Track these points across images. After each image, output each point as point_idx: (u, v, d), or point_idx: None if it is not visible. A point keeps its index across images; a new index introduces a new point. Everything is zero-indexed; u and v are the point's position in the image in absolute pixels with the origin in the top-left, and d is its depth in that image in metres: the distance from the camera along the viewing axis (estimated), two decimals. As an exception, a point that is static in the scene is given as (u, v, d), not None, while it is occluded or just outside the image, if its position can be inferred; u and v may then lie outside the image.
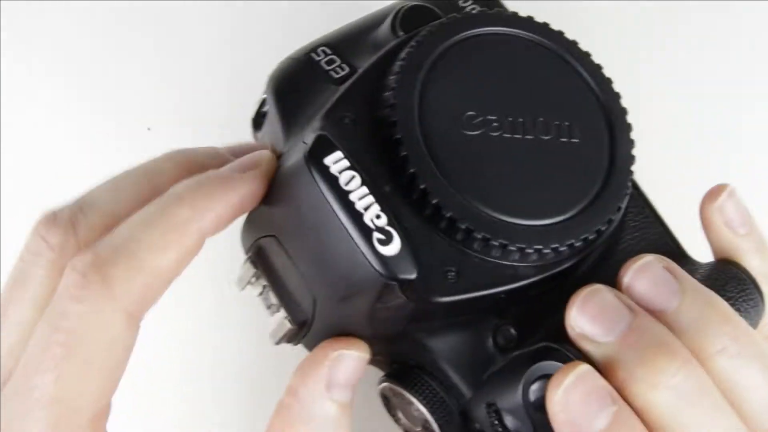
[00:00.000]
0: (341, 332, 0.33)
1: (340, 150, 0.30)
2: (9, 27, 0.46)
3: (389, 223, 0.29)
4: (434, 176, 0.31)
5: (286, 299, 0.34)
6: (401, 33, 0.36)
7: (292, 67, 0.37)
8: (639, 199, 0.38)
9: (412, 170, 0.31)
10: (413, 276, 0.29)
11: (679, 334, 0.31)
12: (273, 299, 0.35)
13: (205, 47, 0.42)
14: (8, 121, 0.47)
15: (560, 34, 0.36)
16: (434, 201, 0.31)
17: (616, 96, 0.35)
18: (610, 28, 0.47)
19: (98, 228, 0.32)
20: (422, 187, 0.31)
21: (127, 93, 0.47)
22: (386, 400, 0.36)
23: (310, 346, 0.35)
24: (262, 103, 0.38)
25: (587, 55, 0.36)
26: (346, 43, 0.37)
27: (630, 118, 0.35)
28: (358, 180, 0.30)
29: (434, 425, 0.34)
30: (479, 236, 0.31)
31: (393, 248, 0.29)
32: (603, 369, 0.30)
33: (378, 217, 0.29)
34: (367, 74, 0.34)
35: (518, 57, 0.35)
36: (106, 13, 0.46)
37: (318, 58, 0.37)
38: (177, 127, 0.45)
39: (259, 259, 0.34)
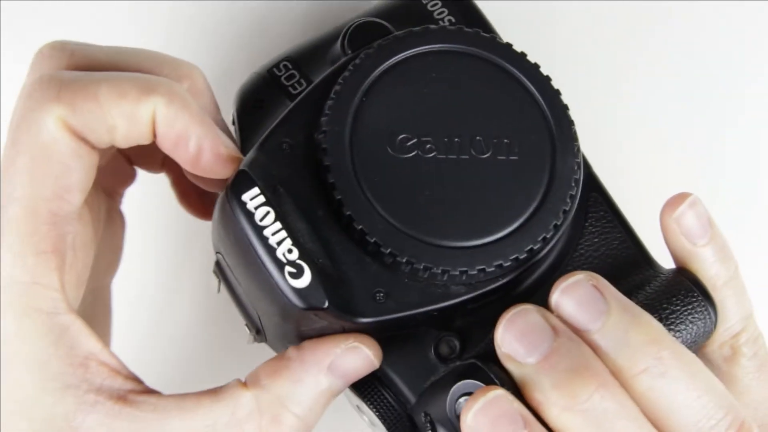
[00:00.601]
0: (291, 342, 0.35)
1: (257, 186, 0.32)
2: (9, 27, 0.46)
3: (300, 257, 0.31)
4: (359, 202, 0.32)
5: (242, 308, 0.36)
6: (349, 51, 0.36)
7: (256, 82, 0.39)
8: (603, 203, 0.37)
9: (338, 197, 0.32)
10: (324, 305, 0.31)
11: (603, 355, 0.31)
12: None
13: (205, 47, 0.44)
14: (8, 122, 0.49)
15: (508, 47, 0.36)
16: (359, 227, 0.32)
17: (563, 108, 0.35)
18: (593, 29, 0.46)
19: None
20: (347, 213, 0.32)
21: None
22: (352, 401, 0.38)
23: (275, 348, 0.38)
24: (233, 119, 0.40)
25: (535, 67, 0.35)
26: (307, 57, 0.39)
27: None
28: (272, 216, 0.31)
29: (381, 426, 0.36)
30: (403, 260, 0.32)
31: (303, 281, 0.31)
32: (523, 390, 0.31)
33: (290, 251, 0.31)
34: (309, 97, 0.35)
35: (459, 73, 0.35)
36: (106, 13, 0.47)
37: (279, 74, 0.38)
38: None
39: (219, 269, 0.37)
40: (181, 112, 0.32)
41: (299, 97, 0.35)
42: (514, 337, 0.32)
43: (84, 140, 0.32)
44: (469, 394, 0.32)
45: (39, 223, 0.31)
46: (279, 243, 0.31)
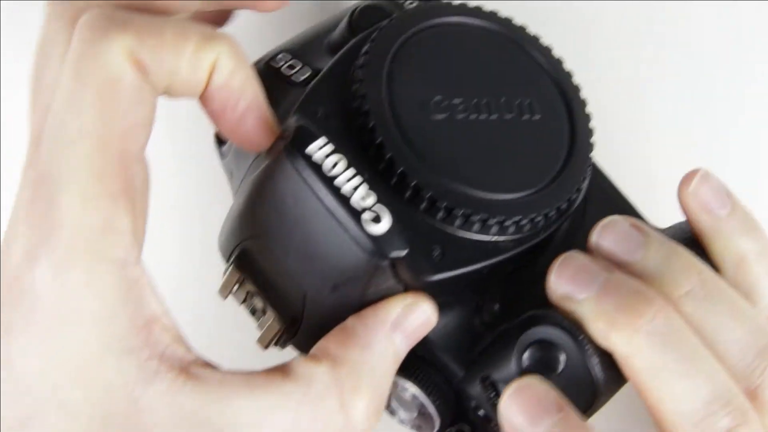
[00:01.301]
0: (333, 326, 0.33)
1: (324, 136, 0.31)
2: (9, 27, 0.45)
3: (378, 202, 0.30)
4: (410, 158, 0.32)
5: (273, 300, 0.34)
6: (359, 31, 0.37)
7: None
8: (600, 177, 0.39)
9: (389, 155, 0.32)
10: (404, 253, 0.30)
11: (648, 283, 0.32)
12: (259, 303, 0.35)
13: None
14: (8, 121, 0.46)
15: (509, 20, 0.37)
16: (413, 182, 0.32)
17: (569, 74, 0.37)
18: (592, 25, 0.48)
19: None
20: (400, 169, 0.32)
21: None
22: None
23: (301, 346, 0.35)
24: None
25: (537, 38, 0.37)
26: (304, 47, 0.38)
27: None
28: (343, 163, 0.30)
29: (431, 408, 0.34)
30: (459, 213, 0.32)
31: (383, 226, 0.30)
32: (586, 324, 0.31)
33: (365, 197, 0.30)
34: (333, 70, 0.34)
35: (472, 44, 0.36)
36: None
37: (278, 65, 0.37)
38: (176, 126, 0.45)
39: (243, 263, 0.34)
40: (241, 67, 0.31)
41: (323, 72, 0.35)
42: (568, 278, 0.32)
43: (147, 78, 0.29)
44: (538, 341, 0.32)
45: (110, 161, 0.28)
46: (354, 189, 0.30)
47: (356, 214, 0.30)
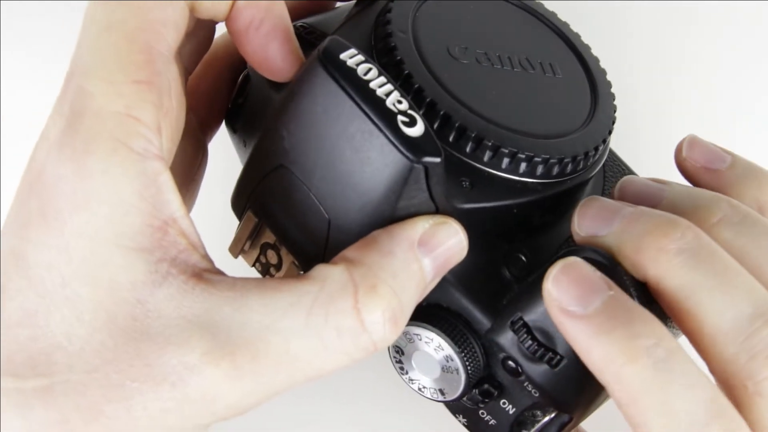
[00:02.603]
0: None
1: (354, 48, 0.30)
2: (9, 27, 0.45)
3: (411, 107, 0.29)
4: (438, 90, 0.32)
5: (292, 241, 0.33)
6: None
7: None
8: (618, 162, 0.39)
9: (417, 85, 0.31)
10: (438, 159, 0.29)
11: (679, 213, 0.31)
12: (273, 258, 0.34)
13: None
14: (8, 122, 0.46)
15: None
16: (443, 111, 0.31)
17: (587, 47, 0.37)
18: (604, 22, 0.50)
19: None
20: (429, 99, 0.31)
21: None
22: (398, 353, 0.34)
23: None
24: (239, 91, 0.38)
25: (554, 14, 0.38)
26: (322, 22, 0.38)
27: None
28: (375, 70, 0.30)
29: (457, 359, 0.32)
30: (489, 144, 0.31)
31: (418, 129, 0.29)
32: (614, 255, 0.30)
33: (399, 102, 0.29)
34: (358, 18, 0.35)
35: (493, 9, 0.37)
36: None
37: (297, 32, 0.37)
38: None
39: (260, 206, 0.33)
40: None
41: (348, 19, 0.35)
42: (593, 216, 0.31)
43: None
44: None
45: (135, 51, 0.27)
46: (387, 94, 0.29)
47: (392, 115, 0.29)
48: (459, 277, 0.32)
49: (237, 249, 0.34)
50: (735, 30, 0.49)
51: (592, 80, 0.36)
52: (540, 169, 0.32)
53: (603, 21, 0.49)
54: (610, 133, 0.35)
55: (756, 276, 0.30)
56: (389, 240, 0.29)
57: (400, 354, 0.34)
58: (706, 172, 0.35)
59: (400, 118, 0.29)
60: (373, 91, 0.29)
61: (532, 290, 0.31)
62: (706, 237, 0.30)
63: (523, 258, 0.33)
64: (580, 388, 0.32)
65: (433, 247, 0.30)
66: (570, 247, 0.32)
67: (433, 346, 0.32)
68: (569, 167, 0.33)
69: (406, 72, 0.32)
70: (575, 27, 0.39)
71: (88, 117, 0.27)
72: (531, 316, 0.31)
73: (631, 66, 0.49)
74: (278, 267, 0.34)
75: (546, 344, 0.31)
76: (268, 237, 0.33)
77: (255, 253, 0.34)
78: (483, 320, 0.32)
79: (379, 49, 0.33)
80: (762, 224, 0.31)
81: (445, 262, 0.30)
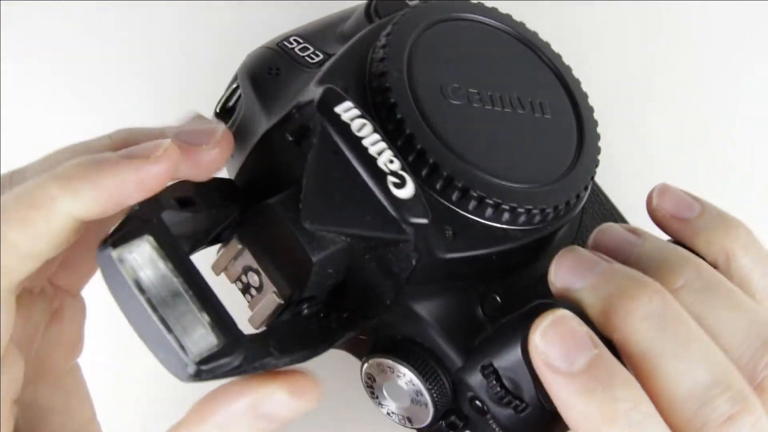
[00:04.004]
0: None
1: (349, 100, 0.30)
2: (9, 27, 0.45)
3: (402, 168, 0.30)
4: (430, 137, 0.32)
5: (273, 274, 0.33)
6: (376, 19, 0.37)
7: (266, 54, 0.37)
8: (597, 192, 0.40)
9: (408, 131, 0.32)
10: (426, 220, 0.30)
11: (645, 272, 0.32)
12: (255, 280, 0.34)
13: (205, 47, 0.42)
14: (8, 122, 0.46)
15: (522, 24, 0.38)
16: (431, 160, 0.32)
17: (577, 81, 0.38)
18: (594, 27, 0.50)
19: None
20: (419, 147, 0.32)
21: (126, 93, 0.46)
22: (370, 380, 0.35)
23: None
24: (230, 94, 0.38)
25: (548, 44, 0.38)
26: (315, 34, 0.38)
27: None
28: (369, 127, 0.30)
29: (426, 395, 0.33)
30: (475, 194, 0.32)
31: (407, 191, 0.29)
32: (586, 312, 0.31)
33: (391, 161, 0.30)
34: (352, 49, 0.35)
35: (488, 42, 0.37)
36: (107, 14, 0.46)
37: (291, 46, 0.37)
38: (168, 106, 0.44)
39: (245, 236, 0.34)
40: (86, 192, 0.30)
41: (342, 50, 0.35)
42: (568, 268, 0.32)
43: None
44: None
45: None
46: (379, 153, 0.30)
47: (382, 176, 0.29)
48: (434, 315, 0.33)
49: (219, 269, 0.35)
50: (728, 33, 0.49)
51: (579, 120, 0.37)
52: (522, 218, 0.33)
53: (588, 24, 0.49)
54: (592, 178, 0.36)
55: (715, 342, 0.31)
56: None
57: (372, 381, 0.35)
58: (675, 221, 0.35)
59: (390, 179, 0.29)
60: (366, 149, 0.30)
61: (504, 337, 0.32)
62: (672, 302, 0.31)
63: (498, 299, 0.34)
64: None
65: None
66: (544, 291, 0.33)
67: (405, 380, 0.34)
68: (551, 215, 0.34)
69: (399, 117, 0.32)
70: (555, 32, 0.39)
71: None
72: (501, 363, 0.32)
73: (614, 72, 0.49)
74: (259, 290, 0.34)
75: (513, 392, 0.32)
76: (251, 261, 0.34)
77: (237, 273, 0.35)
78: (455, 359, 0.33)
79: (374, 87, 0.33)
80: (723, 290, 0.32)
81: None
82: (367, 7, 0.38)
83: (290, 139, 0.33)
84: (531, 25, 0.39)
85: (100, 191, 0.30)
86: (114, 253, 0.28)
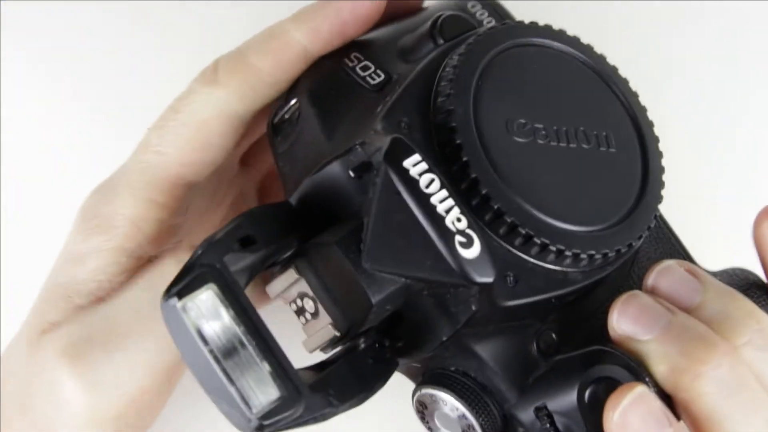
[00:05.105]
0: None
1: (417, 153, 0.30)
2: (9, 27, 0.45)
3: (469, 227, 0.29)
4: (495, 181, 0.31)
5: (330, 308, 0.33)
6: (440, 41, 0.36)
7: (326, 71, 0.37)
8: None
9: (473, 175, 0.31)
10: (491, 279, 0.30)
11: (710, 324, 0.32)
12: (310, 306, 0.34)
13: (206, 47, 0.42)
14: (8, 122, 0.46)
15: (590, 47, 0.37)
16: (496, 206, 0.31)
17: (644, 109, 0.37)
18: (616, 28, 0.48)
19: None
20: (484, 192, 0.31)
21: (127, 93, 0.46)
22: (422, 407, 0.35)
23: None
24: (288, 108, 0.37)
25: (615, 69, 0.37)
26: (375, 49, 0.37)
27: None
28: (437, 183, 0.29)
29: (478, 429, 0.34)
30: (538, 242, 0.31)
31: (473, 251, 0.29)
32: (648, 366, 0.31)
33: (459, 220, 0.29)
34: (416, 81, 0.34)
35: (555, 68, 0.36)
36: (107, 14, 0.46)
37: (352, 64, 0.36)
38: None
39: (303, 267, 0.34)
40: (316, 25, 0.36)
41: (407, 81, 0.34)
42: (632, 317, 0.32)
43: None
44: (603, 379, 0.31)
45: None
46: (447, 211, 0.29)
47: (450, 235, 0.29)
48: (490, 353, 0.34)
49: (274, 293, 0.35)
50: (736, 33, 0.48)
51: (645, 153, 0.36)
52: (584, 262, 0.33)
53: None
54: (655, 217, 0.35)
55: None
56: None
57: (423, 408, 0.35)
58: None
59: (457, 238, 0.29)
60: (434, 208, 0.29)
61: (560, 380, 0.33)
62: (739, 366, 0.31)
63: (553, 335, 0.34)
64: None
65: None
66: (599, 327, 0.33)
67: (457, 413, 0.34)
68: (612, 258, 0.33)
69: (464, 160, 0.31)
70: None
71: None
72: (555, 407, 0.32)
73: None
74: (314, 316, 0.34)
75: None
76: (308, 289, 0.34)
77: (292, 297, 0.35)
78: (508, 395, 0.34)
79: (438, 124, 0.32)
80: None
81: None
82: (432, 26, 0.36)
83: (352, 175, 0.33)
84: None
85: (323, 21, 0.36)
86: (179, 304, 0.28)
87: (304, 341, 0.35)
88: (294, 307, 0.35)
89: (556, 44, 0.36)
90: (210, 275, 0.29)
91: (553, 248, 0.32)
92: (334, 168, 0.33)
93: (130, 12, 0.45)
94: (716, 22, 0.47)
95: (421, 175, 0.29)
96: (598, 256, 0.33)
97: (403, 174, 0.29)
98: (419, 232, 0.29)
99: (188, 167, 0.37)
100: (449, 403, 0.34)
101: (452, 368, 0.34)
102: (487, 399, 0.34)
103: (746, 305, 0.33)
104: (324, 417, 0.29)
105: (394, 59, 0.37)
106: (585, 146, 0.34)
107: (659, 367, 0.31)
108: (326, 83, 0.36)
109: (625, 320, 0.32)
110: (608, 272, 0.34)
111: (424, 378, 0.35)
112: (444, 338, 0.33)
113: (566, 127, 0.34)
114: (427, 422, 0.36)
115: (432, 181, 0.29)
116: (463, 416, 0.34)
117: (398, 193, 0.29)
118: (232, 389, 0.28)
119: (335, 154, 0.33)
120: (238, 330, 0.29)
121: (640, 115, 0.36)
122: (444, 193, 0.29)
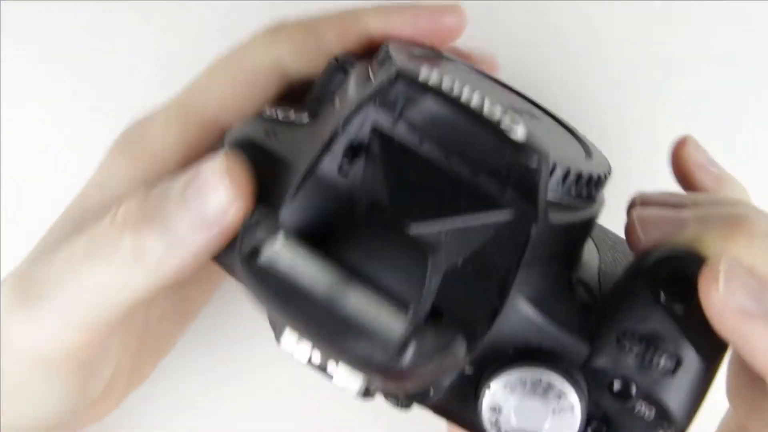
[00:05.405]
0: None
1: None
2: (9, 27, 0.46)
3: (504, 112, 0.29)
4: None
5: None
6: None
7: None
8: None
9: None
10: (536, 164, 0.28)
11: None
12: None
13: (206, 47, 0.41)
14: (8, 122, 0.47)
15: None
16: None
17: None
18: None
19: None
20: None
21: (127, 93, 0.46)
22: (496, 412, 0.31)
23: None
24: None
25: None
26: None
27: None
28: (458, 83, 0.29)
29: (570, 396, 0.31)
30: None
31: (521, 132, 0.29)
32: (700, 247, 0.31)
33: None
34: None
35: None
36: (107, 14, 0.46)
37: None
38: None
39: None
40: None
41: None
42: (657, 218, 0.33)
43: None
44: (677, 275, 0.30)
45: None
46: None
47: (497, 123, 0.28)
48: (543, 309, 0.31)
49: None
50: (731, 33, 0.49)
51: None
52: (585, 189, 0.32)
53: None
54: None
55: None
56: None
57: (498, 412, 0.31)
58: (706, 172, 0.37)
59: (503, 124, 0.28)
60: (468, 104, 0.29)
61: (624, 300, 0.31)
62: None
63: (586, 281, 0.33)
64: (697, 400, 0.31)
65: None
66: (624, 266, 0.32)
67: (541, 387, 0.31)
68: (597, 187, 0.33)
69: None
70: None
71: None
72: (636, 325, 0.31)
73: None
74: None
75: (659, 346, 0.30)
76: None
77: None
78: (580, 347, 0.31)
79: None
80: None
81: None
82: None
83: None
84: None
85: (398, 17, 0.37)
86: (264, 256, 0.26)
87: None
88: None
89: None
90: (274, 227, 0.28)
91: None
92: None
93: (130, 12, 0.46)
94: (716, 22, 0.48)
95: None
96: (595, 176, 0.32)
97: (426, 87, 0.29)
98: (436, 174, 0.29)
99: (226, 112, 0.36)
100: (526, 381, 0.30)
101: (510, 351, 0.31)
102: (562, 362, 0.31)
103: (735, 199, 0.34)
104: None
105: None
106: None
107: (711, 242, 0.31)
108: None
109: (650, 224, 0.32)
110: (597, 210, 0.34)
111: (486, 374, 0.31)
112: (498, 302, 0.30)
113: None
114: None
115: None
116: (548, 385, 0.30)
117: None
118: (364, 321, 0.26)
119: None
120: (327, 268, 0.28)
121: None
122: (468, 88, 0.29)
